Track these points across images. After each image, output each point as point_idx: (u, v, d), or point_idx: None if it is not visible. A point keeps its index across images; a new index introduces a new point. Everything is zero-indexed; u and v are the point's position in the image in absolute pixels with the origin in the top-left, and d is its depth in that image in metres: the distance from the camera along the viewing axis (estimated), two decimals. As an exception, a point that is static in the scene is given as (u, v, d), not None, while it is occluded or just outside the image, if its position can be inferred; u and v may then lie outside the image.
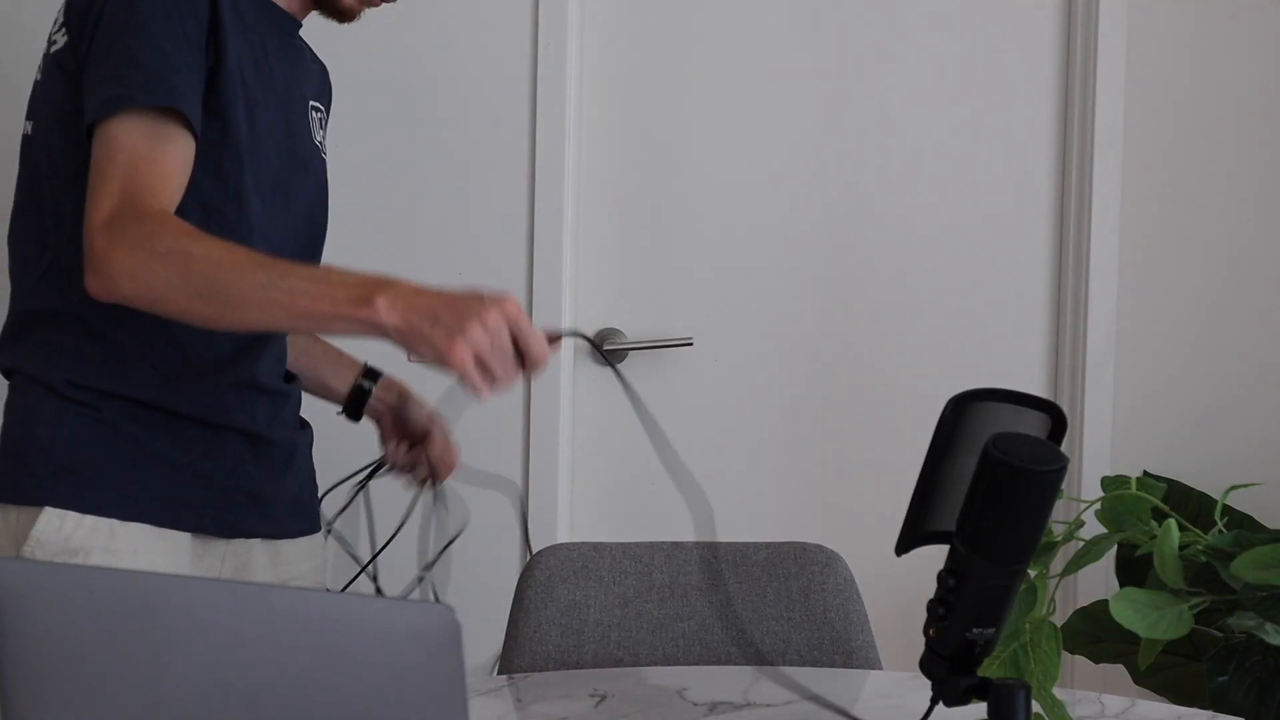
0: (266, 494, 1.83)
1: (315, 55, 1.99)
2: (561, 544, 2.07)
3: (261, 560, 1.84)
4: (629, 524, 2.72)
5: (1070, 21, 2.72)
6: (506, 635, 1.97)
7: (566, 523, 2.71)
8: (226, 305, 1.51)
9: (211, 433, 1.76)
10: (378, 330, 1.45)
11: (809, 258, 2.74)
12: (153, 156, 1.60)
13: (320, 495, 1.99)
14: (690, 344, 2.71)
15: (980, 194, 2.74)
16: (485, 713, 1.63)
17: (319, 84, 1.97)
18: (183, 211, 1.62)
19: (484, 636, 2.03)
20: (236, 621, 0.96)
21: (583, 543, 2.06)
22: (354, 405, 2.05)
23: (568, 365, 2.69)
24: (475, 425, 2.67)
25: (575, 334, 1.60)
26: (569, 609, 1.98)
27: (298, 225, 1.85)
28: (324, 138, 1.94)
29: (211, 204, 1.70)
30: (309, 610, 0.96)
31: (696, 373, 2.73)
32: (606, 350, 2.71)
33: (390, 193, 2.65)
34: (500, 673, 1.92)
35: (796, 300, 2.73)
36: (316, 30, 1.96)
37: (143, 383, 1.72)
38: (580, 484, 2.74)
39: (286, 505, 1.86)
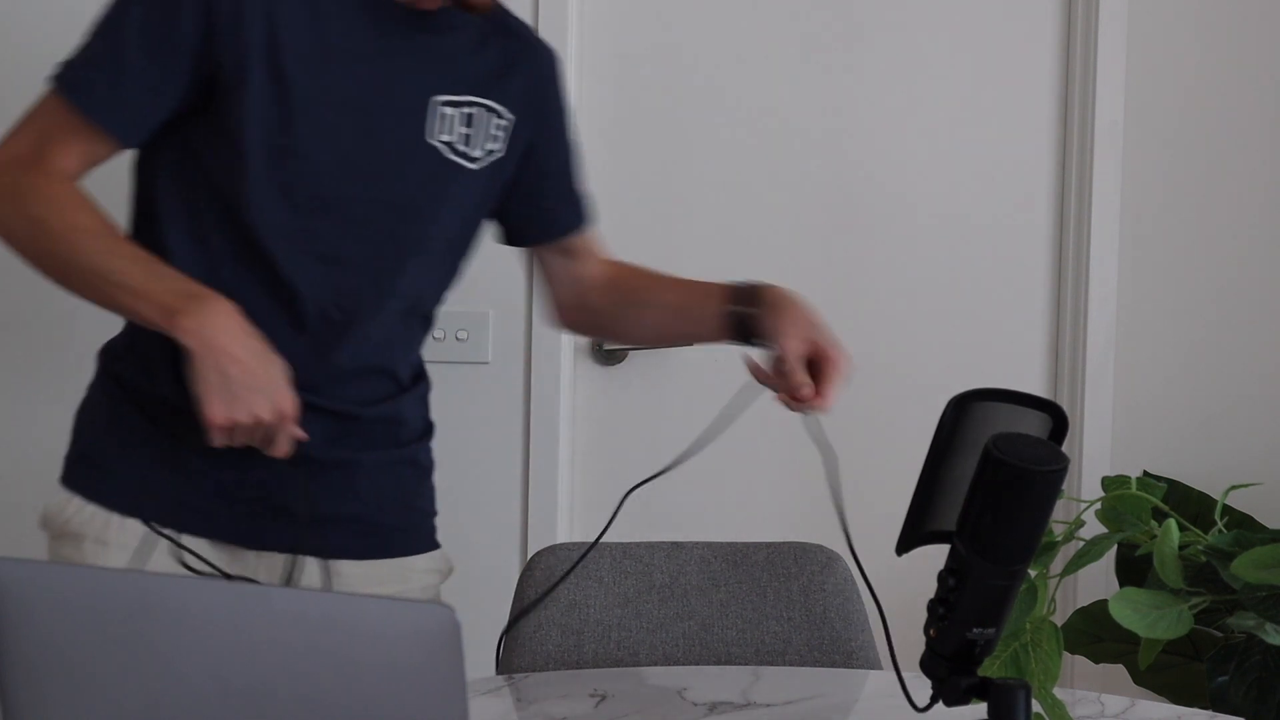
0: (318, 511, 1.74)
1: (506, 45, 1.83)
2: (561, 544, 2.06)
3: (308, 578, 1.75)
4: (629, 524, 2.71)
5: (1070, 21, 2.71)
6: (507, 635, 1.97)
7: (566, 523, 2.71)
8: (65, 279, 1.63)
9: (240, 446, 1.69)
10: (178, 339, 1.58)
11: (809, 257, 2.73)
12: (62, 145, 1.66)
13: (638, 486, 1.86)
14: (690, 344, 2.70)
15: (980, 194, 2.74)
16: (485, 713, 1.63)
17: (481, 77, 1.80)
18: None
19: (484, 636, 2.03)
20: (236, 621, 0.96)
21: (583, 543, 2.06)
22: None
23: (568, 365, 2.69)
24: (475, 425, 2.67)
25: None
26: (569, 609, 1.98)
27: (374, 236, 1.74)
28: (479, 139, 1.80)
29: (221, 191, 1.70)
30: (309, 610, 0.96)
31: (696, 372, 2.73)
32: (607, 350, 2.71)
33: (390, 192, 2.65)
34: (500, 673, 1.91)
35: (796, 300, 2.73)
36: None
37: (180, 389, 1.67)
38: (580, 484, 2.74)
39: (348, 525, 1.80)
